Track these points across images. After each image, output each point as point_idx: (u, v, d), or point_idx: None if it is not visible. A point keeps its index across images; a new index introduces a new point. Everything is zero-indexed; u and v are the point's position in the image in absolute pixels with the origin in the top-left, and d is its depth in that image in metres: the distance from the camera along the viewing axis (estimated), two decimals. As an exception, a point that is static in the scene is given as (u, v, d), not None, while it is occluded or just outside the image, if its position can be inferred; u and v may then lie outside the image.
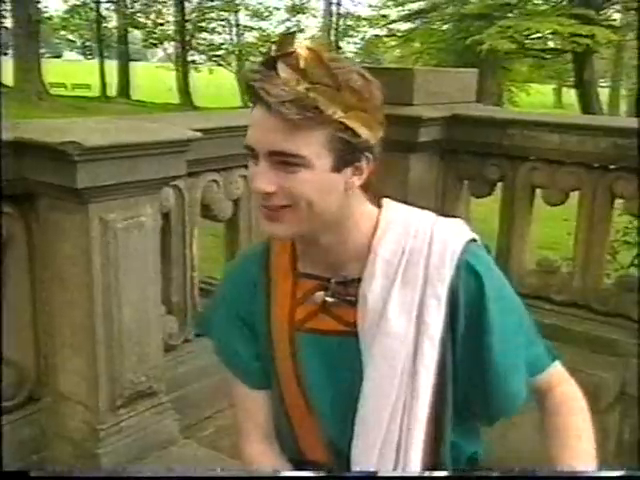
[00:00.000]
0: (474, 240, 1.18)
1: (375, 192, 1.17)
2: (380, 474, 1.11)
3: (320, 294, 1.17)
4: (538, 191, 3.26)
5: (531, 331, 1.22)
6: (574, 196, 3.18)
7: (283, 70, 1.01)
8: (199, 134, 2.10)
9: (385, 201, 1.20)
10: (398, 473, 1.11)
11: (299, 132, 1.01)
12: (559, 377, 1.27)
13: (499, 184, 3.37)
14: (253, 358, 1.25)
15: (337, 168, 1.06)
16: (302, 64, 1.01)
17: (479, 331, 1.12)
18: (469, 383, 1.16)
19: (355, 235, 1.14)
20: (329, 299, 1.17)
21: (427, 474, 1.12)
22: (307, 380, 1.21)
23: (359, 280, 1.14)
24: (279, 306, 1.21)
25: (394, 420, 1.12)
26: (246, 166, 2.73)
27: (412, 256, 1.13)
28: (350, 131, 1.04)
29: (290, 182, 1.03)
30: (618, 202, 3.12)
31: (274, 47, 1.04)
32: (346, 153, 1.05)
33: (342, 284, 1.16)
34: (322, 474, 1.16)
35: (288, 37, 1.04)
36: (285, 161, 1.02)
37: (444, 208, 3.45)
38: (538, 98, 33.33)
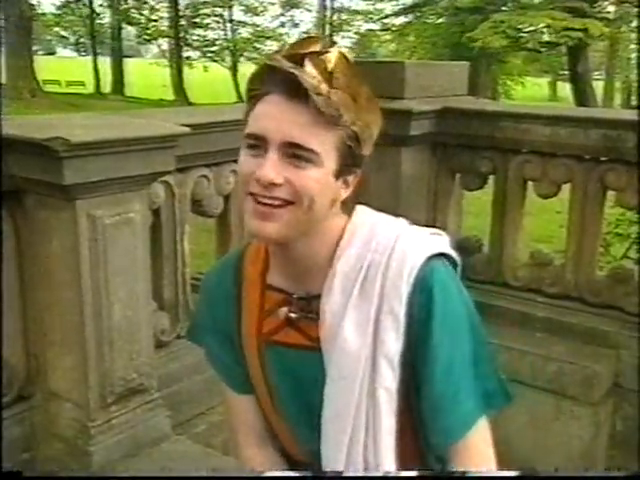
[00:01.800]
0: (443, 255, 1.10)
1: (370, 200, 1.15)
2: (345, 474, 1.10)
3: (284, 310, 1.15)
4: (530, 184, 3.26)
5: (482, 368, 1.11)
6: (567, 189, 3.18)
7: (310, 68, 0.99)
8: (187, 129, 2.09)
9: (356, 209, 1.16)
10: (364, 473, 1.10)
11: (319, 128, 1.00)
12: (480, 443, 1.11)
13: (491, 177, 3.37)
14: (237, 364, 1.24)
15: (337, 175, 1.05)
16: (330, 67, 1.00)
17: (424, 352, 1.07)
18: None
19: (320, 247, 1.11)
20: (292, 315, 1.14)
21: (393, 474, 1.10)
22: (276, 390, 1.21)
23: (320, 296, 1.11)
24: (248, 317, 1.20)
25: (356, 440, 1.09)
26: (236, 161, 2.74)
27: (370, 270, 1.09)
28: (357, 142, 1.04)
29: (297, 176, 1.01)
30: (610, 194, 3.12)
31: (300, 44, 1.03)
32: (347, 162, 1.05)
33: (305, 300, 1.14)
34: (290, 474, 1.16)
35: (316, 37, 1.05)
36: (297, 154, 1.01)
37: (436, 202, 3.45)
38: (533, 91, 33.33)
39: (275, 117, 1.01)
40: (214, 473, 1.96)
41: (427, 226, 1.18)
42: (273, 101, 1.02)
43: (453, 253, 1.13)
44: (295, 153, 1.01)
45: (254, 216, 1.04)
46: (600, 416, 3.02)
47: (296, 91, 0.99)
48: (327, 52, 1.01)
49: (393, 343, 1.07)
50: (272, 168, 1.00)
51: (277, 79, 1.01)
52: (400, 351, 1.08)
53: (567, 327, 3.11)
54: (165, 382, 2.35)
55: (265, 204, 1.02)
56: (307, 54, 1.00)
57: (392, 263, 1.08)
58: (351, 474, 1.10)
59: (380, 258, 1.09)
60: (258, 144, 1.03)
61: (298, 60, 1.00)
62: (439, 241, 1.13)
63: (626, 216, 5.13)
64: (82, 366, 2.01)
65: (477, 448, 1.11)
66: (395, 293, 1.07)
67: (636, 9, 21.50)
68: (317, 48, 1.02)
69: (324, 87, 0.99)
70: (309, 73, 0.99)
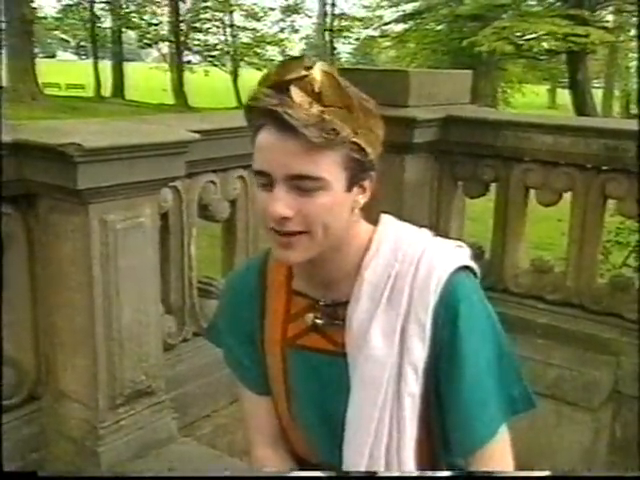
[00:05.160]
0: (466, 267, 1.14)
1: (371, 208, 1.16)
2: (380, 474, 1.12)
3: (310, 316, 1.18)
4: (532, 192, 3.29)
5: (507, 375, 1.15)
6: (568, 197, 3.22)
7: (297, 94, 1.00)
8: (197, 135, 2.12)
9: (382, 219, 1.19)
10: (397, 473, 1.12)
11: (319, 155, 1.01)
12: (501, 449, 1.15)
13: (493, 184, 3.40)
14: (256, 365, 1.27)
15: (349, 188, 1.06)
16: (317, 87, 1.01)
17: (451, 363, 1.10)
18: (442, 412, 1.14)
19: (347, 255, 1.14)
20: (319, 321, 1.17)
21: (429, 474, 1.13)
22: (294, 393, 1.23)
23: (347, 303, 1.14)
24: (272, 321, 1.22)
25: (379, 445, 1.12)
26: (243, 167, 2.78)
27: (398, 280, 1.12)
28: (362, 151, 1.05)
29: (307, 205, 1.03)
30: (610, 203, 3.16)
31: (281, 70, 1.03)
32: (357, 172, 1.06)
33: (331, 307, 1.17)
34: (319, 474, 1.18)
35: (296, 61, 1.04)
36: (304, 184, 1.02)
37: (439, 208, 3.48)
38: (532, 99, 33.44)
39: (274, 151, 1.02)
40: (220, 474, 1.99)
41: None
42: (269, 134, 1.03)
43: (474, 265, 1.16)
44: (301, 184, 1.02)
45: (276, 246, 1.08)
46: (600, 422, 3.05)
47: (287, 125, 0.99)
48: (310, 74, 1.01)
49: (419, 351, 1.11)
50: (280, 203, 1.02)
51: (266, 114, 1.02)
52: (425, 359, 1.11)
53: (567, 334, 3.14)
54: (171, 384, 2.37)
55: (283, 234, 1.05)
56: (292, 80, 1.01)
57: (419, 274, 1.11)
58: (385, 474, 1.13)
59: (407, 268, 1.12)
60: (265, 179, 1.04)
61: (284, 88, 1.01)
62: (462, 253, 1.16)
63: (626, 225, 5.18)
64: (92, 367, 2.04)
65: (499, 454, 1.14)
66: (422, 303, 1.10)
67: (635, 18, 21.62)
68: (300, 71, 1.02)
69: (315, 109, 1.00)
70: (297, 103, 0.99)
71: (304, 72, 1.02)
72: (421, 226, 1.22)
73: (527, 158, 3.21)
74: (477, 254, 3.48)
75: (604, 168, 3.06)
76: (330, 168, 1.03)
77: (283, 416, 1.28)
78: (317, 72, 1.02)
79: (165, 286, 2.49)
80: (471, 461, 1.14)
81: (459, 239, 3.51)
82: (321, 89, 1.01)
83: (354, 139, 1.03)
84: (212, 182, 2.62)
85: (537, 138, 3.13)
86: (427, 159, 3.40)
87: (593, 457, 3.04)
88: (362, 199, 1.10)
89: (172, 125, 2.33)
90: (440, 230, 3.35)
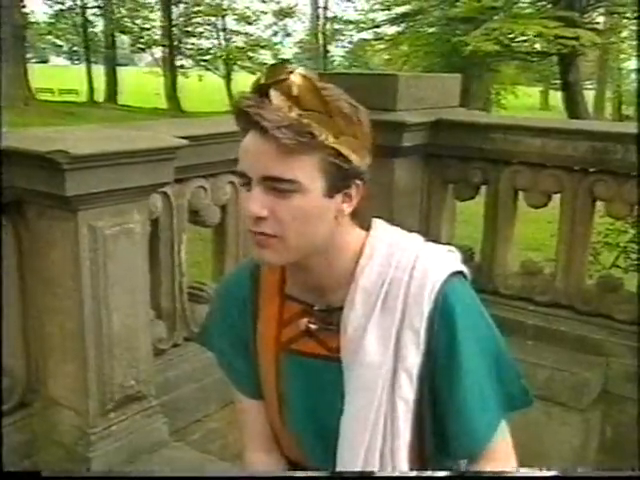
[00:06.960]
0: (459, 272, 1.15)
1: (364, 214, 1.16)
2: (377, 474, 1.13)
3: (304, 321, 1.18)
4: (521, 194, 3.32)
5: (505, 374, 1.17)
6: (557, 199, 3.24)
7: (276, 97, 1.02)
8: (185, 142, 2.14)
9: (374, 224, 1.19)
10: (395, 473, 1.13)
11: (293, 157, 1.02)
12: (504, 444, 1.17)
13: (483, 187, 3.43)
14: (249, 369, 1.27)
15: (329, 194, 1.07)
16: (295, 91, 1.02)
17: (450, 369, 1.12)
18: (438, 417, 1.15)
19: (340, 261, 1.14)
20: (312, 326, 1.18)
21: (427, 474, 1.14)
22: (287, 397, 1.24)
23: (341, 308, 1.15)
24: (266, 326, 1.23)
25: (373, 449, 1.13)
26: (233, 172, 2.78)
27: (392, 287, 1.13)
28: (342, 157, 1.05)
29: (282, 208, 1.04)
30: (599, 204, 3.18)
31: (265, 74, 1.05)
32: (338, 179, 1.07)
33: (325, 312, 1.17)
34: (319, 474, 1.19)
35: (279, 65, 1.06)
36: (279, 186, 1.03)
37: (429, 212, 3.50)
38: (525, 100, 33.56)
39: (250, 153, 1.05)
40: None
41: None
42: (249, 137, 1.05)
43: (465, 269, 1.17)
44: (276, 185, 1.03)
45: (253, 244, 1.09)
46: (589, 422, 3.07)
47: (261, 127, 1.01)
48: (289, 78, 1.03)
49: (413, 357, 1.11)
50: (255, 202, 1.04)
51: (243, 116, 1.04)
52: (419, 364, 1.12)
53: (557, 335, 3.17)
54: (162, 389, 2.39)
55: (259, 234, 1.07)
56: (272, 84, 1.03)
57: (413, 281, 1.12)
58: (380, 474, 1.14)
59: (402, 275, 1.13)
60: (244, 180, 1.07)
61: (264, 92, 1.03)
62: (454, 259, 1.18)
63: (615, 226, 5.21)
64: (82, 374, 2.05)
65: (502, 453, 1.16)
66: (416, 310, 1.11)
67: (625, 20, 21.78)
68: (281, 76, 1.03)
69: (294, 113, 1.01)
70: (274, 105, 1.01)
71: (284, 76, 1.03)
72: (412, 230, 1.23)
73: (515, 160, 3.24)
74: (467, 256, 3.50)
75: (592, 170, 3.09)
76: (306, 172, 1.04)
77: (275, 420, 1.29)
78: (296, 76, 1.03)
79: (155, 291, 2.50)
80: (475, 463, 1.15)
81: (450, 242, 3.54)
82: (299, 93, 1.02)
83: (334, 144, 1.04)
84: (202, 187, 2.63)
85: (525, 141, 3.15)
86: (417, 162, 3.42)
87: (583, 457, 3.06)
88: (347, 207, 1.10)
89: (161, 131, 2.34)
90: (431, 233, 3.37)
